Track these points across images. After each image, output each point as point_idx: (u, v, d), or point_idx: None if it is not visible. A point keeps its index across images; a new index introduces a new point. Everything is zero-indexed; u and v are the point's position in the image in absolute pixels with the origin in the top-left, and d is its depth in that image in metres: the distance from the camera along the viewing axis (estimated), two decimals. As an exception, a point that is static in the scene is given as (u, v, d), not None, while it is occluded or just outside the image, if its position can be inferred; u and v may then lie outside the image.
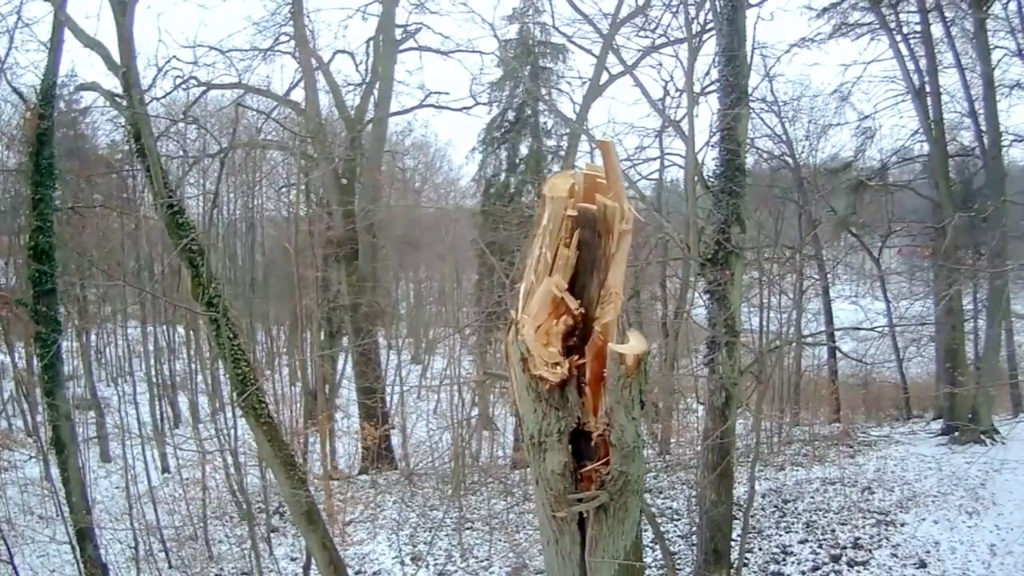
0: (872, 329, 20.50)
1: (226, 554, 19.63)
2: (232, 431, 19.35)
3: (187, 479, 21.89)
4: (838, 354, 25.77)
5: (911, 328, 24.22)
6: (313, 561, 17.24)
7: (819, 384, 26.82)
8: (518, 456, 22.71)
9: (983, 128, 21.98)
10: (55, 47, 16.89)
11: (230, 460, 20.75)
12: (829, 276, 26.40)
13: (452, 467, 21.49)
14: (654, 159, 23.96)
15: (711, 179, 16.38)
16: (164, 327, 27.89)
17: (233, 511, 21.05)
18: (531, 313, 5.10)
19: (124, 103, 15.30)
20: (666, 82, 22.23)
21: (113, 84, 16.21)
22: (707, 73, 19.77)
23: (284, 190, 28.76)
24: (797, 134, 25.67)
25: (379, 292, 24.79)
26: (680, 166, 19.01)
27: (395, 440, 23.94)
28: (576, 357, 5.37)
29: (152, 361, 26.71)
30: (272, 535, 20.07)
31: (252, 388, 14.09)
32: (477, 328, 23.39)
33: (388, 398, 24.34)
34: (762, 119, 25.08)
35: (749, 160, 25.71)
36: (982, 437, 21.05)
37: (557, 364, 5.31)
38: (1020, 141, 23.76)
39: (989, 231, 21.91)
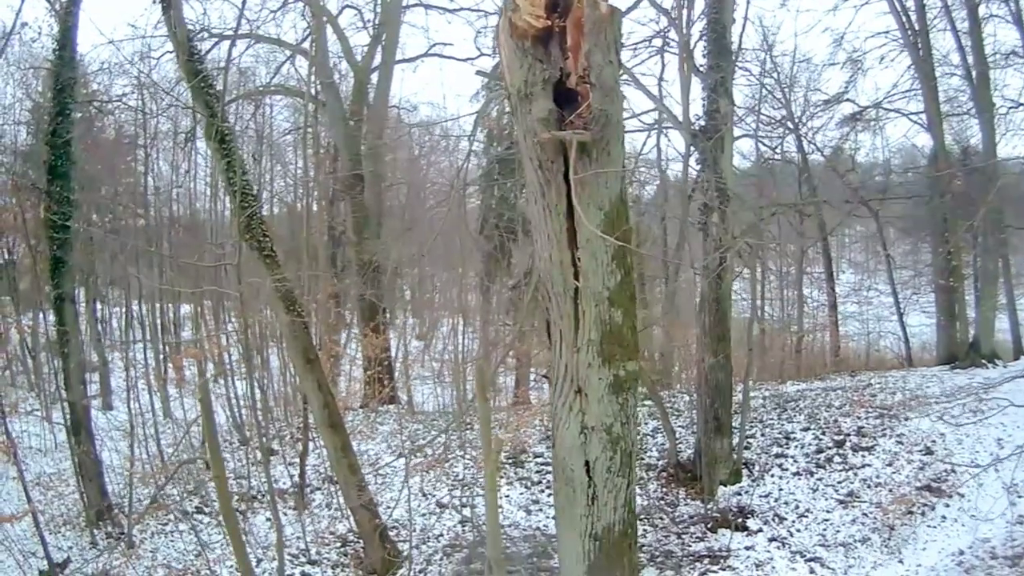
0: (865, 201, 20.61)
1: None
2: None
3: (190, 420, 21.79)
4: (839, 318, 25.98)
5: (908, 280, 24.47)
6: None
7: (818, 354, 26.79)
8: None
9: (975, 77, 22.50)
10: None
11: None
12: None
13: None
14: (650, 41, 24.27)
15: (702, 62, 17.15)
16: (170, 305, 28.08)
17: (232, 439, 20.93)
18: None
19: None
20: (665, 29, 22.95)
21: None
22: None
23: (290, 137, 29.53)
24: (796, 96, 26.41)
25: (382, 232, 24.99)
26: (675, 52, 19.63)
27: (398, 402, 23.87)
28: (559, 20, 6.00)
29: (159, 332, 26.89)
30: (271, 458, 19.90)
31: (257, 216, 14.51)
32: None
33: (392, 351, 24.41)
34: (763, 84, 25.89)
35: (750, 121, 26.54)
36: (983, 362, 20.93)
37: (539, 17, 5.93)
38: (1016, 107, 24.40)
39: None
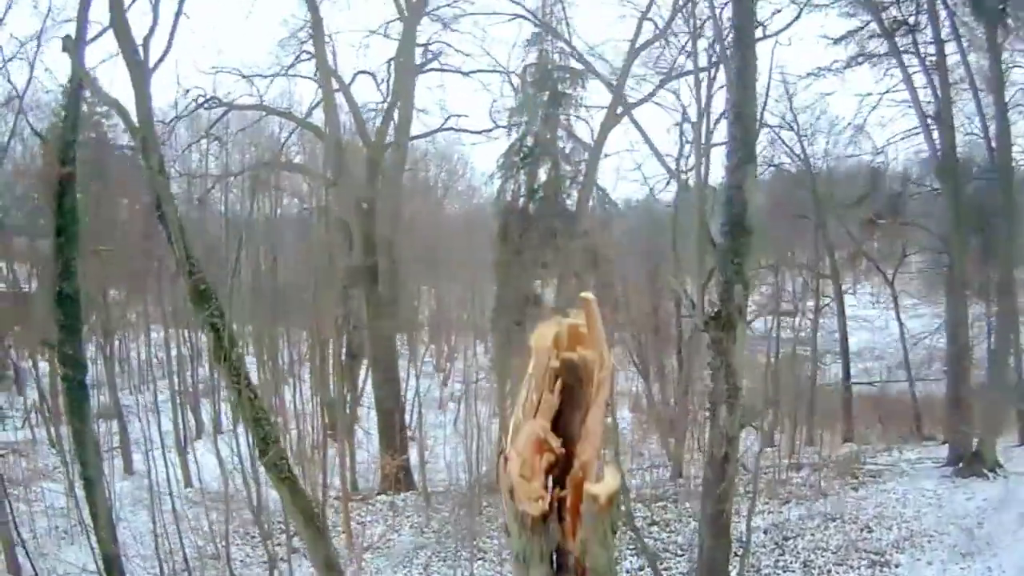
0: (874, 383, 20.72)
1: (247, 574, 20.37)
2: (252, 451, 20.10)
3: (209, 494, 22.51)
4: (852, 373, 26.33)
5: (923, 350, 24.66)
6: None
7: (832, 396, 27.16)
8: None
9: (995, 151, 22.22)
10: (74, 97, 17.25)
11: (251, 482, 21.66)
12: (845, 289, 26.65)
13: (468, 484, 22.17)
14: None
15: (719, 234, 16.63)
16: (187, 331, 28.42)
17: (255, 531, 21.68)
18: (518, 448, 5.69)
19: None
20: (684, 107, 22.31)
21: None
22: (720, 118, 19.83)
23: (305, 211, 29.30)
24: (815, 150, 25.93)
25: (401, 304, 25.21)
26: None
27: (413, 456, 24.47)
28: (558, 489, 5.94)
29: (175, 367, 27.40)
30: (292, 555, 20.70)
31: (273, 448, 14.72)
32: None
33: (408, 414, 25.00)
34: (780, 138, 25.32)
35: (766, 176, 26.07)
36: (985, 472, 21.31)
37: (539, 498, 5.88)
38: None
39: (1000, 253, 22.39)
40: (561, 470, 5.65)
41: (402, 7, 24.07)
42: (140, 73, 14.51)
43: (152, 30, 14.52)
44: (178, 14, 15.05)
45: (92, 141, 27.71)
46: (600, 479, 4.76)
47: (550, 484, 5.48)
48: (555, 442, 5.28)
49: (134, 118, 14.65)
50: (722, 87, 18.39)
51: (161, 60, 14.91)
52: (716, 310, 16.29)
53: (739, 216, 16.16)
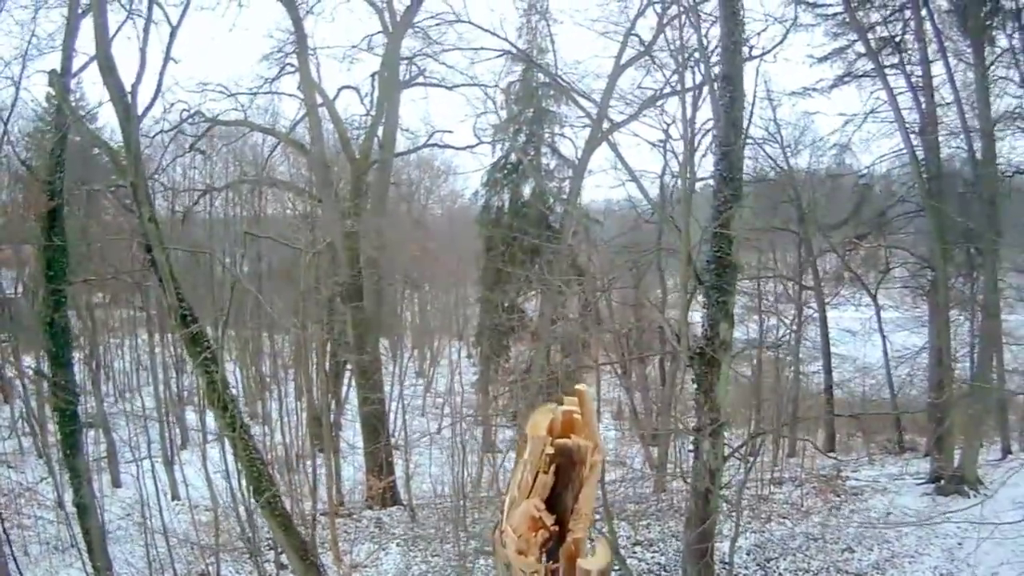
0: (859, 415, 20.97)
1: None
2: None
3: (196, 507, 22.64)
4: (834, 381, 26.59)
5: (906, 368, 24.97)
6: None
7: (815, 397, 27.46)
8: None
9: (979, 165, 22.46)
10: (60, 132, 17.12)
11: (238, 496, 21.81)
12: (827, 299, 26.85)
13: (452, 502, 22.35)
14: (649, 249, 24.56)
15: (704, 271, 16.71)
16: (172, 336, 28.31)
17: (243, 547, 21.85)
18: (513, 524, 5.97)
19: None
20: (667, 126, 22.34)
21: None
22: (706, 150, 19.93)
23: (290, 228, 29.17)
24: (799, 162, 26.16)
25: (385, 313, 25.26)
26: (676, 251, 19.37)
27: (397, 469, 24.63)
28: (551, 563, 6.22)
29: (160, 374, 27.40)
30: (280, 572, 20.93)
31: (268, 489, 14.94)
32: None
33: (391, 422, 25.12)
34: (764, 150, 25.44)
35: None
36: (966, 489, 21.63)
37: (534, 572, 6.15)
38: (1021, 173, 24.17)
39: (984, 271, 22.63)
40: (556, 542, 5.95)
41: (386, 22, 24.00)
42: (128, 116, 14.47)
43: (140, 76, 14.43)
44: (167, 59, 14.92)
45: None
46: (593, 550, 5.07)
47: (544, 558, 5.78)
48: (549, 520, 5.58)
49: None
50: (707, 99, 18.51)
51: (150, 107, 14.85)
52: (700, 348, 16.45)
53: (724, 254, 16.28)
